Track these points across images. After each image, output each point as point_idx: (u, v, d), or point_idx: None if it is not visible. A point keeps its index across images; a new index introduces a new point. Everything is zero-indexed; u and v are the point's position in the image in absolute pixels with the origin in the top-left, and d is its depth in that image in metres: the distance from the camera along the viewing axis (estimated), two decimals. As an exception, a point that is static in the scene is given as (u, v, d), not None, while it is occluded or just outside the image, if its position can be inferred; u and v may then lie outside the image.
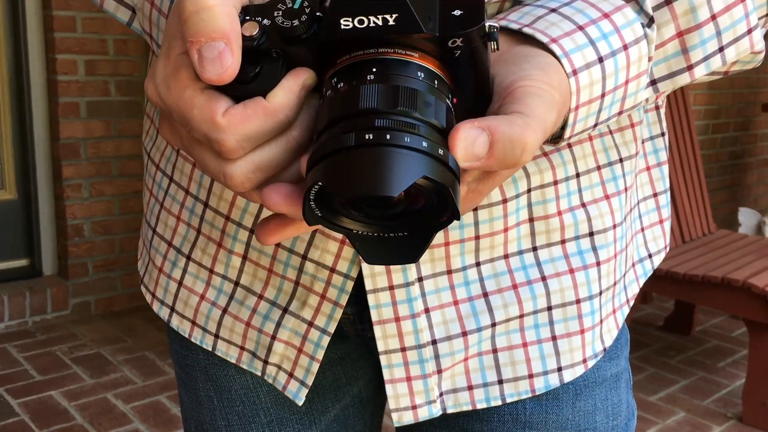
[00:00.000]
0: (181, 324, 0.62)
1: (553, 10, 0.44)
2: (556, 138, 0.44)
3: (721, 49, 0.47)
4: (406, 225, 0.37)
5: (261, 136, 0.36)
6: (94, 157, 2.97)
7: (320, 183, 0.33)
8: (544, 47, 0.41)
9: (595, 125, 0.46)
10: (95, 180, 2.99)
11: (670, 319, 3.14)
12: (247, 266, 0.57)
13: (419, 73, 0.36)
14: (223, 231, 0.57)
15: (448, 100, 0.37)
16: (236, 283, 0.58)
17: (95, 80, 2.93)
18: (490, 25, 0.36)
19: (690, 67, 0.47)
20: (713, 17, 0.46)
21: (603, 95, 0.44)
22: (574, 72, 0.41)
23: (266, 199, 0.37)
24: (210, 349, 0.61)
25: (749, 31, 0.48)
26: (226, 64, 0.34)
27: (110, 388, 2.43)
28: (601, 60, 0.43)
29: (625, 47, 0.44)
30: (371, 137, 0.33)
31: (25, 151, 2.93)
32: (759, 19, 0.49)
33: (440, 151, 0.34)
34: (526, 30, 0.42)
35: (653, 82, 0.48)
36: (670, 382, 2.66)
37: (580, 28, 0.43)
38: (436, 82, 0.36)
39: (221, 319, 0.59)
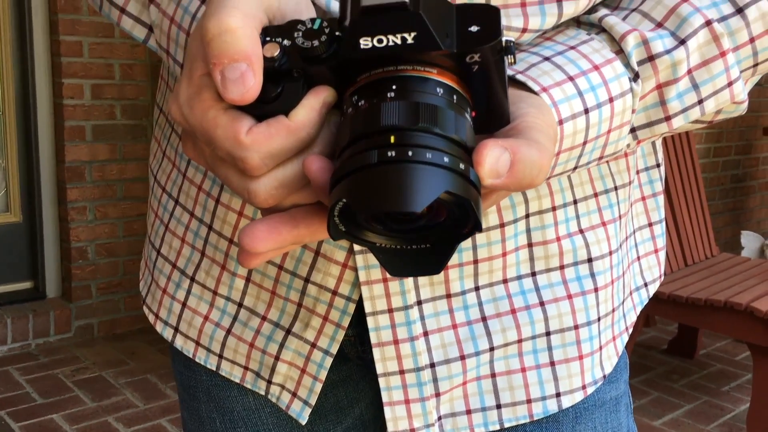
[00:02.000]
0: (185, 344, 0.62)
1: (547, 59, 0.45)
2: None
3: (700, 102, 0.48)
4: (429, 237, 0.37)
5: (284, 153, 0.37)
6: (99, 180, 2.99)
7: (344, 200, 0.33)
8: (535, 94, 0.43)
9: (575, 168, 0.47)
10: (100, 203, 3.01)
11: (673, 343, 3.12)
12: (251, 288, 0.57)
13: (438, 89, 0.36)
14: (226, 254, 0.57)
15: (467, 114, 0.37)
16: (240, 305, 0.58)
17: (101, 104, 2.96)
18: (506, 40, 0.37)
19: (668, 118, 0.48)
20: (689, 71, 0.47)
21: (585, 143, 0.45)
22: (560, 122, 0.43)
23: (246, 245, 0.38)
24: (214, 369, 0.61)
25: (729, 84, 0.49)
26: (248, 84, 0.35)
27: (111, 412, 2.42)
28: (586, 111, 0.44)
29: (611, 100, 0.45)
30: (393, 154, 0.33)
31: (31, 174, 2.94)
32: (742, 71, 0.50)
33: (461, 166, 0.34)
34: (519, 77, 0.44)
35: (632, 130, 0.49)
36: (675, 407, 2.65)
37: (571, 78, 0.44)
38: (455, 97, 0.37)
39: (225, 339, 0.60)
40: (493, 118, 0.40)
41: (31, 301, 2.98)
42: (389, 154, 0.33)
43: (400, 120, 0.34)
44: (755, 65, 0.50)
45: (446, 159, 0.34)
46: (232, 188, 0.39)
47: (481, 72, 0.37)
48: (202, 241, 0.59)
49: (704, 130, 4.21)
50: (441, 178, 0.33)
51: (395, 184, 0.33)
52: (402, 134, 0.34)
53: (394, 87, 0.36)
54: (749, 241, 3.56)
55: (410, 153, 0.33)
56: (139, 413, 2.42)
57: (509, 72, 0.43)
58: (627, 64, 0.46)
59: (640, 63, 0.47)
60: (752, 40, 0.49)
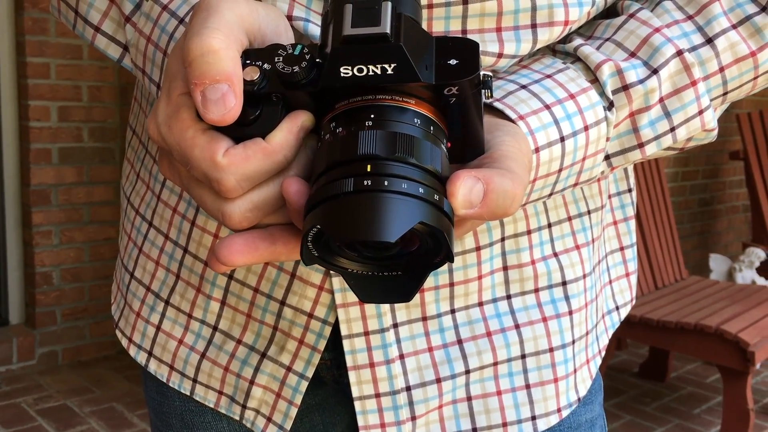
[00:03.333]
0: (159, 368, 0.61)
1: (524, 87, 0.46)
2: None
3: (672, 129, 0.49)
4: (401, 265, 0.37)
5: (260, 175, 0.37)
6: (65, 203, 2.94)
7: (318, 226, 0.34)
8: (512, 122, 0.43)
9: (551, 194, 0.48)
10: (65, 227, 2.96)
11: (645, 366, 3.15)
12: (226, 311, 0.57)
13: (416, 120, 0.37)
14: (201, 276, 0.57)
15: (443, 145, 0.38)
16: (215, 328, 0.58)
17: (68, 126, 2.92)
18: (484, 74, 0.38)
19: (641, 145, 0.49)
20: (661, 99, 0.48)
21: (560, 170, 0.46)
22: (537, 150, 0.44)
23: (222, 258, 0.38)
24: (188, 393, 0.60)
25: (700, 112, 0.50)
26: (229, 105, 0.35)
27: (76, 441, 2.36)
28: (562, 139, 0.45)
29: (586, 128, 0.46)
30: (369, 183, 0.34)
31: (-5, 197, 2.89)
32: (712, 100, 0.51)
33: (436, 197, 0.35)
34: (496, 104, 0.45)
35: (607, 157, 0.50)
36: (647, 430, 2.66)
37: (547, 107, 0.45)
38: (432, 128, 0.37)
39: (199, 363, 0.59)
40: (469, 149, 0.40)
41: (-7, 327, 2.91)
42: (365, 182, 0.34)
43: (377, 149, 0.35)
44: (725, 94, 0.52)
45: (421, 190, 0.34)
46: (206, 210, 0.39)
47: (458, 104, 0.38)
48: (177, 263, 0.58)
49: (671, 155, 4.28)
50: (415, 208, 0.34)
51: (370, 213, 0.33)
52: (378, 163, 0.34)
53: (372, 116, 0.36)
54: (717, 264, 3.61)
55: (386, 183, 0.34)
56: (104, 443, 2.36)
57: (486, 100, 0.44)
58: (602, 93, 0.47)
59: (615, 92, 0.48)
60: (722, 69, 0.50)
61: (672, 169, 4.31)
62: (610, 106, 0.47)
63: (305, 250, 0.35)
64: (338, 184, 0.34)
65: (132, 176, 0.64)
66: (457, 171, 0.36)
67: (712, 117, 0.51)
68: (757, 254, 3.44)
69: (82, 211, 2.99)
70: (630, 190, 0.65)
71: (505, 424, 0.56)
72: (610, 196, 0.64)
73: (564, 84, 0.47)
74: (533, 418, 0.56)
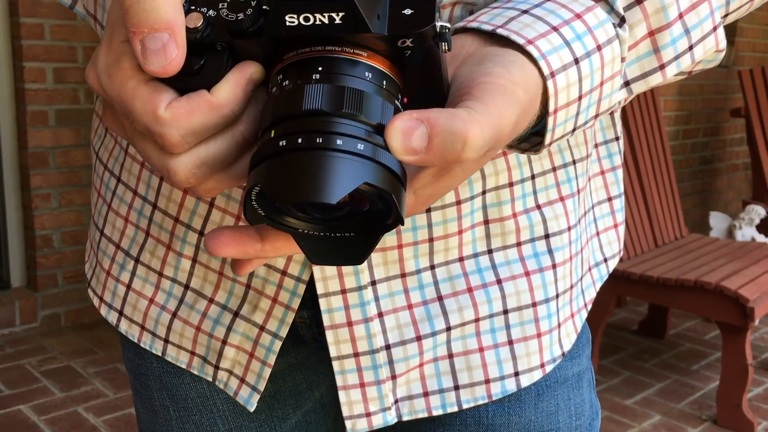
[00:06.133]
0: (130, 328, 0.60)
1: (525, 12, 0.43)
2: (536, 145, 0.43)
3: (690, 48, 0.47)
4: (352, 226, 0.36)
5: (206, 130, 0.35)
6: (63, 165, 2.93)
7: (259, 186, 0.32)
8: (519, 48, 0.40)
9: (574, 130, 0.45)
10: (64, 189, 2.95)
11: (644, 323, 3.16)
12: (197, 269, 0.56)
13: (367, 74, 0.35)
14: (171, 233, 0.56)
15: (397, 102, 0.36)
16: (186, 287, 0.57)
17: (64, 88, 2.89)
18: (441, 25, 0.35)
19: (662, 67, 0.46)
20: (680, 15, 0.45)
21: (580, 97, 0.43)
22: (552, 74, 0.40)
23: (210, 249, 0.37)
24: (160, 354, 0.60)
25: (714, 29, 0.47)
26: (171, 56, 0.33)
27: (81, 402, 2.39)
28: (576, 61, 0.42)
29: (599, 48, 0.43)
30: (312, 141, 0.32)
31: (-7, 160, 2.88)
32: (721, 18, 0.49)
33: (384, 156, 0.33)
34: (500, 31, 0.41)
35: (626, 84, 0.47)
36: (646, 386, 2.68)
37: (554, 29, 0.42)
38: (384, 82, 0.35)
39: (171, 323, 0.58)
40: (430, 105, 0.38)
41: (-5, 290, 2.92)
42: (308, 140, 0.32)
43: (322, 104, 0.33)
44: (725, 15, 0.50)
45: (368, 148, 0.32)
46: (151, 164, 0.37)
47: (414, 57, 0.36)
48: (146, 220, 0.57)
49: (673, 112, 4.24)
50: (360, 168, 0.32)
51: (311, 172, 0.31)
52: (323, 120, 0.33)
53: (320, 68, 0.34)
54: (717, 221, 3.60)
55: (330, 141, 0.32)
56: (109, 402, 2.39)
57: (488, 27, 0.41)
58: (610, 10, 0.44)
59: (627, 8, 0.44)
60: None
61: (673, 128, 4.27)
62: (621, 22, 0.44)
63: (249, 208, 0.34)
64: (279, 141, 0.32)
65: (100, 130, 0.63)
66: (398, 114, 0.33)
67: (723, 35, 0.48)
68: (757, 212, 3.42)
69: (81, 173, 2.98)
70: (617, 138, 0.63)
71: (487, 381, 0.55)
72: (596, 145, 0.62)
73: (567, 5, 0.43)
74: (516, 374, 0.55)
